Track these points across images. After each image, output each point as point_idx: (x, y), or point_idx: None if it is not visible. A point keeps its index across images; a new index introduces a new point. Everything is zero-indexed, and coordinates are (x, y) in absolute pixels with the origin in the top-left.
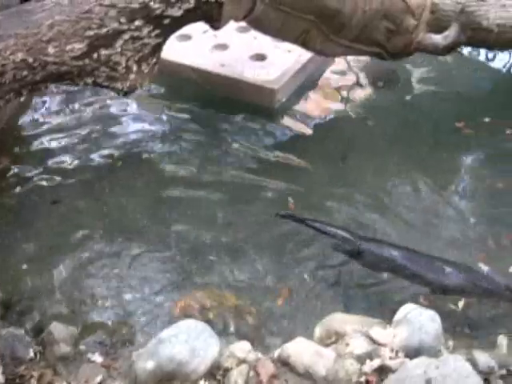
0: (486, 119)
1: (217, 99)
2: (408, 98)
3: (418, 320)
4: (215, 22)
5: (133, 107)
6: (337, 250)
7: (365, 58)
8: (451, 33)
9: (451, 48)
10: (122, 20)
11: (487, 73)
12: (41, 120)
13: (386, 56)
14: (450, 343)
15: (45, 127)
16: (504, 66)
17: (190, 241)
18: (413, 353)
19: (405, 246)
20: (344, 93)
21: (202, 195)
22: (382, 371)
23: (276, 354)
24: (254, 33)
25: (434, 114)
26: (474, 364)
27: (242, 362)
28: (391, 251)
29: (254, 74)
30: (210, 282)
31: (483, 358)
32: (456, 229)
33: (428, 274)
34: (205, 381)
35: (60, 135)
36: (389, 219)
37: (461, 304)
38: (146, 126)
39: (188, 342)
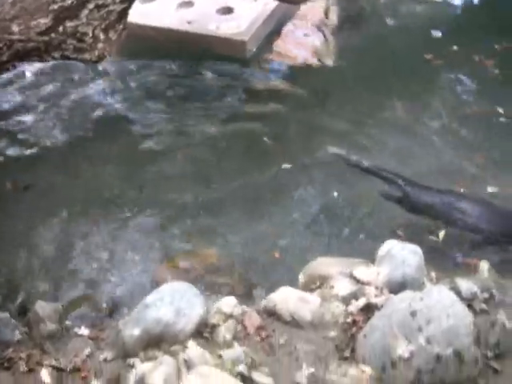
0: (455, 47)
1: (186, 57)
2: (376, 34)
3: (400, 254)
4: None
5: (98, 73)
6: (386, 198)
7: None
8: None
9: None
10: None
11: (450, 5)
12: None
13: None
14: (433, 274)
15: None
16: None
17: (169, 203)
18: (397, 288)
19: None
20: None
21: (180, 152)
22: (368, 309)
23: (262, 305)
24: None
25: (403, 49)
26: (458, 292)
27: (228, 317)
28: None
29: (223, 27)
30: (192, 243)
31: (466, 284)
32: (433, 155)
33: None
34: (193, 340)
35: (26, 114)
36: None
37: (441, 235)
38: (115, 92)
39: (173, 303)
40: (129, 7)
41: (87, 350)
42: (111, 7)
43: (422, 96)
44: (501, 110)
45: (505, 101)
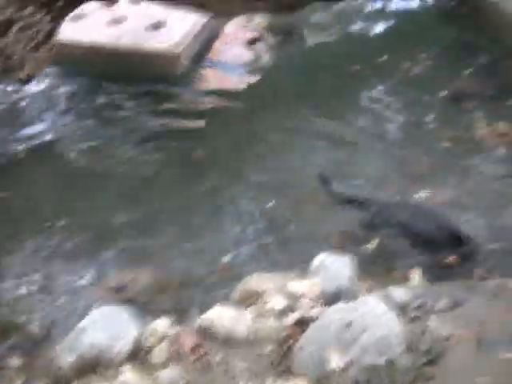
0: (384, 57)
1: (118, 73)
2: (307, 49)
3: (334, 266)
4: None
5: (29, 93)
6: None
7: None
8: None
9: None
10: (14, 8)
11: (379, 15)
12: None
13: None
14: (367, 284)
15: None
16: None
17: (102, 224)
18: (331, 299)
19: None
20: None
21: (109, 173)
22: (303, 323)
23: (196, 324)
24: (148, 2)
25: (332, 61)
26: (390, 300)
27: (163, 338)
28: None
29: (154, 42)
30: (126, 264)
31: (398, 293)
32: (362, 163)
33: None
34: (129, 363)
35: None
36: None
37: (374, 243)
38: (43, 111)
39: (107, 327)
40: (58, 26)
41: (20, 381)
42: (39, 26)
43: (350, 107)
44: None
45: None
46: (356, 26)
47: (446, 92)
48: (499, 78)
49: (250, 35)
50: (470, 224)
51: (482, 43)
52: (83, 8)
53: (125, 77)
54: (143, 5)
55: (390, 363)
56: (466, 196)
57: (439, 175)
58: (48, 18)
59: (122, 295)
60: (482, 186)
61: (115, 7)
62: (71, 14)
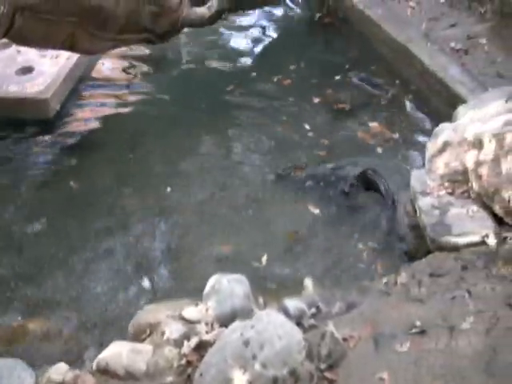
0: (253, 74)
1: None
2: (181, 76)
3: (226, 286)
4: None
5: None
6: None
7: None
8: (213, 2)
9: (216, 17)
10: None
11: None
12: None
13: (155, 39)
14: (261, 299)
15: None
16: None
17: None
18: (228, 320)
19: None
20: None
21: None
22: (202, 348)
23: (94, 365)
24: (17, 46)
25: (207, 86)
26: (286, 312)
27: None
28: None
29: (23, 87)
30: (11, 316)
31: (293, 303)
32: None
33: None
34: None
35: None
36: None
37: (264, 259)
38: None
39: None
40: None
41: None
42: None
43: (230, 127)
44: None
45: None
46: (229, 45)
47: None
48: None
49: (123, 65)
50: None
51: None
52: None
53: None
54: (11, 49)
55: (293, 372)
56: None
57: None
58: None
59: (13, 347)
60: None
61: None
62: None
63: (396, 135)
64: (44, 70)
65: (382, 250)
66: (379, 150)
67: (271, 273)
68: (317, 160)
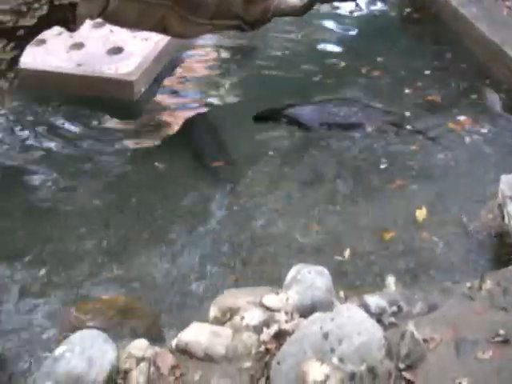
0: (342, 64)
1: (75, 101)
2: (269, 62)
3: (308, 277)
4: (71, 25)
5: None
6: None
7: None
8: None
9: (308, 7)
10: None
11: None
12: None
13: (245, 27)
14: (342, 293)
15: None
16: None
17: (69, 253)
18: (307, 311)
19: None
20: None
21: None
22: (280, 336)
23: (173, 344)
24: (110, 26)
25: (296, 74)
26: (367, 308)
27: (140, 360)
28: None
29: (112, 67)
30: (96, 289)
31: (374, 300)
32: None
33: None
34: None
35: None
36: None
37: (347, 253)
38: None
39: (83, 353)
40: (20, 55)
41: None
42: (1, 56)
43: None
44: None
45: None
46: (317, 36)
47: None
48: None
49: (211, 56)
50: None
51: (439, 48)
52: (44, 34)
53: (82, 102)
54: (105, 29)
55: (371, 369)
56: None
57: None
58: (9, 46)
59: (96, 320)
60: None
61: (76, 32)
62: (32, 42)
63: (485, 130)
64: (133, 51)
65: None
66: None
67: (353, 267)
68: None
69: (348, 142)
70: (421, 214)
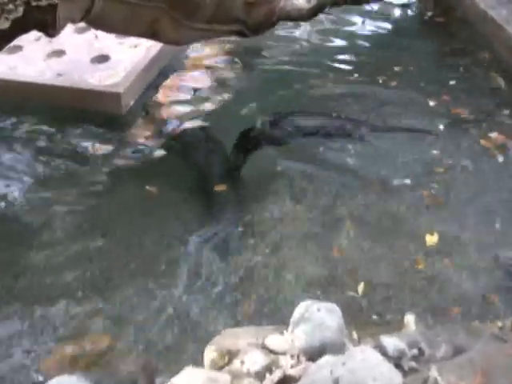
0: (355, 75)
1: (55, 115)
2: (275, 73)
3: (317, 316)
4: (50, 29)
5: None
6: None
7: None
8: None
9: (316, 11)
10: None
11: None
12: None
13: (248, 32)
14: (355, 334)
15: None
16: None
17: (45, 287)
18: (316, 354)
19: None
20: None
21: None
22: (285, 383)
23: None
24: (95, 31)
25: (302, 83)
26: (383, 351)
27: None
28: None
29: (97, 78)
30: (76, 329)
31: (391, 342)
32: None
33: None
34: None
35: None
36: None
37: (360, 288)
38: None
39: None
40: None
41: None
42: None
43: None
44: None
45: None
46: (329, 41)
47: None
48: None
49: (211, 62)
50: None
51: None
52: (20, 39)
53: (62, 118)
54: (88, 34)
55: None
56: None
57: None
58: None
59: (78, 363)
60: None
61: (56, 38)
62: (5, 48)
63: None
64: (121, 59)
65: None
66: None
67: (368, 303)
68: None
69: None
70: (438, 239)
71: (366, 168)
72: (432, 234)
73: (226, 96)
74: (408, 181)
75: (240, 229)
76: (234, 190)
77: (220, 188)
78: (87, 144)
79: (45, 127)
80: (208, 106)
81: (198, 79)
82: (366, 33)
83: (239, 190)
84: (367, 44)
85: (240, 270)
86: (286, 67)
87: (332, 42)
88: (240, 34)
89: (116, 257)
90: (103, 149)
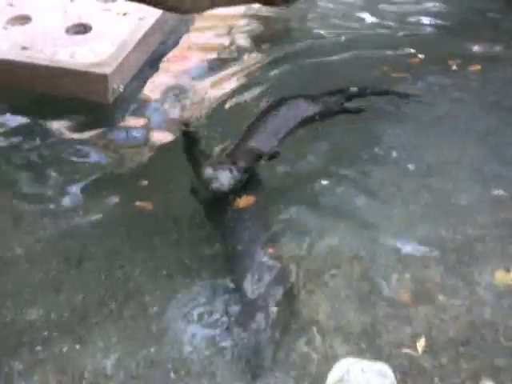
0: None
1: (23, 101)
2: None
3: (362, 379)
4: None
5: None
6: None
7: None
8: None
9: None
10: None
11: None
12: None
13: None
14: None
15: None
16: None
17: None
18: None
19: None
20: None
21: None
22: None
23: None
24: None
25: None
26: None
27: None
28: None
29: (73, 54)
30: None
31: None
32: None
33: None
34: None
35: None
36: None
37: (420, 346)
38: None
39: None
40: None
41: None
42: None
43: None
44: None
45: None
46: (392, 19)
47: None
48: None
49: (222, 41)
50: None
51: None
52: None
53: (31, 104)
54: None
55: None
56: None
57: None
58: None
59: None
60: None
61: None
62: None
63: None
64: (106, 31)
65: None
66: None
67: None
68: None
69: None
70: None
71: None
72: None
73: (240, 86)
74: None
75: None
76: None
77: None
78: (62, 139)
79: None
80: (217, 98)
81: (206, 63)
82: (432, 7)
83: None
84: (436, 21)
85: None
86: (327, 47)
87: (386, 16)
88: (264, 2)
89: (91, 291)
90: (82, 148)
